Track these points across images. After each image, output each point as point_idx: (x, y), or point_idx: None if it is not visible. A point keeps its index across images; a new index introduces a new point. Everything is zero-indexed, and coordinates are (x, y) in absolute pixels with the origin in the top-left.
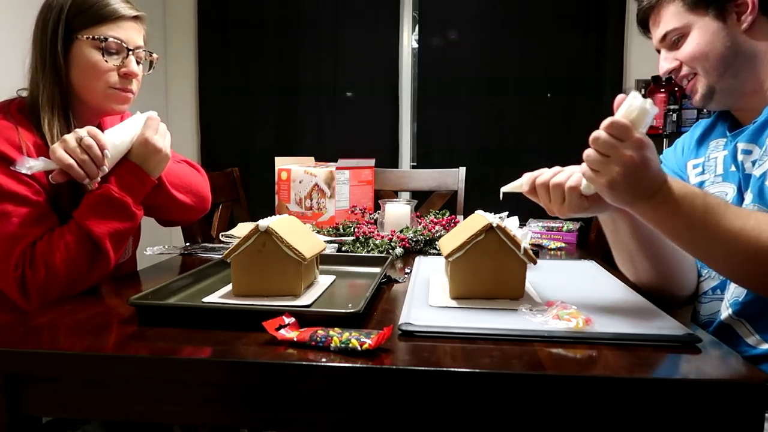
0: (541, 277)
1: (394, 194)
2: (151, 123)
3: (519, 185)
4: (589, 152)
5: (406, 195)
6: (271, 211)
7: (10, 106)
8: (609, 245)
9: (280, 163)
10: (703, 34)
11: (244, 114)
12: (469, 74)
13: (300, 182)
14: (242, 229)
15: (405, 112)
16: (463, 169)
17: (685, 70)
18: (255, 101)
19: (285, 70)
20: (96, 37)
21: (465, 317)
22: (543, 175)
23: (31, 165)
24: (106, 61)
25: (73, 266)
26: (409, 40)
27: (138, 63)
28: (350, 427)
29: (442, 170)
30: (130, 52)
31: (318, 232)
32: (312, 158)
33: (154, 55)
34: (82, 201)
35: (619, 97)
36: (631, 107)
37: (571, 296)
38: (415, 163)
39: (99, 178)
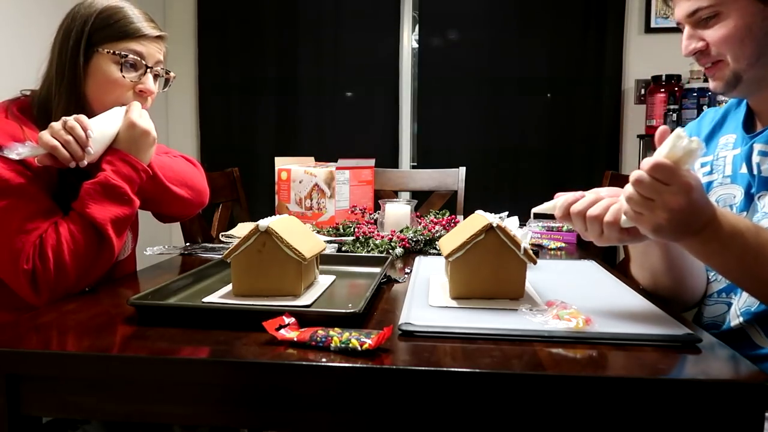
0: (541, 277)
1: (394, 194)
2: (134, 108)
3: (552, 207)
4: (631, 194)
5: (406, 195)
6: (271, 211)
7: (11, 106)
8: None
9: (280, 163)
10: (741, 16)
11: (244, 114)
12: (469, 74)
13: (300, 182)
14: (242, 229)
15: (405, 112)
16: (463, 169)
17: (713, 53)
18: (255, 101)
19: (285, 70)
20: (116, 52)
21: (465, 317)
22: (579, 203)
23: (20, 151)
24: (124, 76)
25: (80, 255)
26: (409, 40)
27: (155, 79)
28: (350, 427)
29: (442, 170)
30: (149, 69)
31: (318, 232)
32: (312, 158)
33: (171, 74)
34: (80, 192)
35: (662, 129)
36: (676, 147)
37: (571, 296)
38: (415, 163)
39: (86, 162)
